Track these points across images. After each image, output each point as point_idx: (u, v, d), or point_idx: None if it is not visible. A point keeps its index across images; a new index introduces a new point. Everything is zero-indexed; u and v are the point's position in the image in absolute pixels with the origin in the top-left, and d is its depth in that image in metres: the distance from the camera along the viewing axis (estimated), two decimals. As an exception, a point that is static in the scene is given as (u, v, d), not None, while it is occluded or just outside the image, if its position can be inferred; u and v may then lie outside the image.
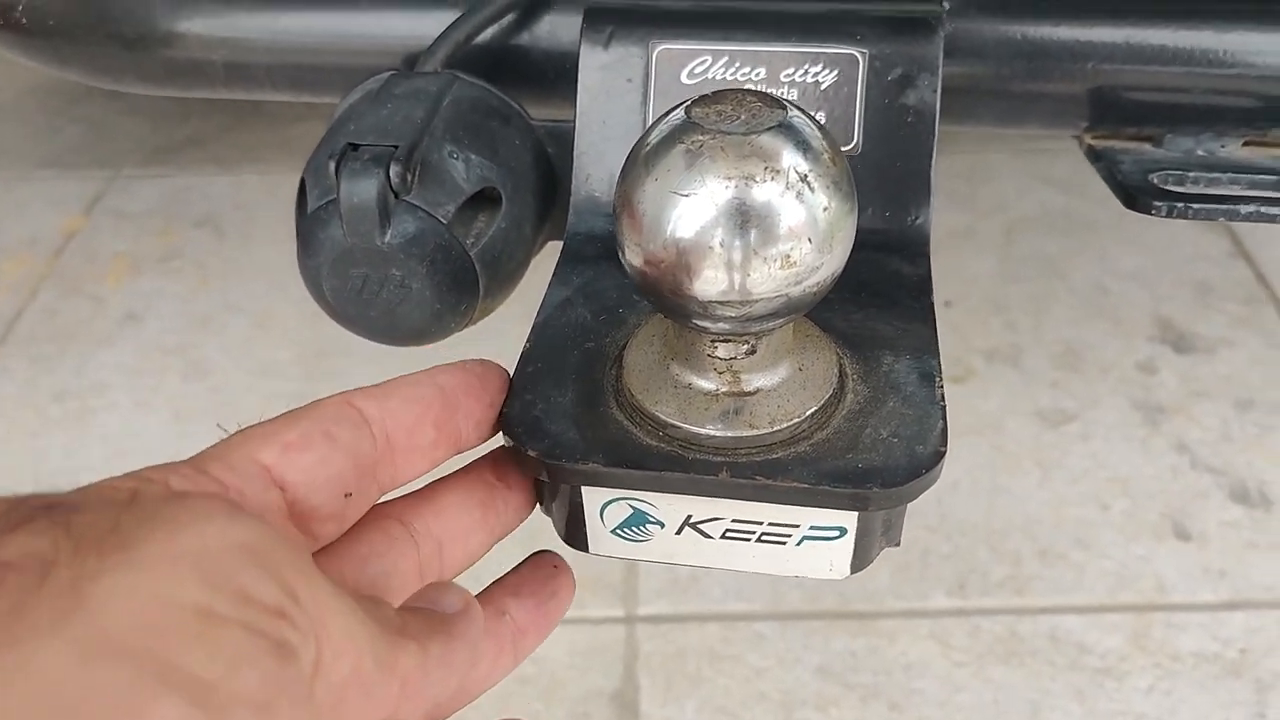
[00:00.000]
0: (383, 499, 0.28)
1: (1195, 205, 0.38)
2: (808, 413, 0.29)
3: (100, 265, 1.02)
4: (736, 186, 0.25)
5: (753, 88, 0.34)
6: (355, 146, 0.33)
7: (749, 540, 0.30)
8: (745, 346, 0.29)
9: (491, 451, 0.31)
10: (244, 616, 0.19)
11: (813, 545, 0.29)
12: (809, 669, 0.70)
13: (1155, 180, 0.39)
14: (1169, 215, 0.38)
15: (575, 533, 0.31)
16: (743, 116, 0.26)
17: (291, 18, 0.43)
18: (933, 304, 0.34)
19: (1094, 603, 0.74)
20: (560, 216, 0.39)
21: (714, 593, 0.73)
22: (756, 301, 0.26)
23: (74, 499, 0.20)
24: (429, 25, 0.41)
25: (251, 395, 0.88)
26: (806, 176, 0.26)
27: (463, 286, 0.36)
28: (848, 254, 0.28)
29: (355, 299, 0.36)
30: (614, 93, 0.38)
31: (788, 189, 0.26)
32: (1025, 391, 0.88)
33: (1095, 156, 0.41)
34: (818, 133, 0.27)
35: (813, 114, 0.28)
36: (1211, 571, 0.75)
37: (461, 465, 0.31)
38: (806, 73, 0.37)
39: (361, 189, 0.33)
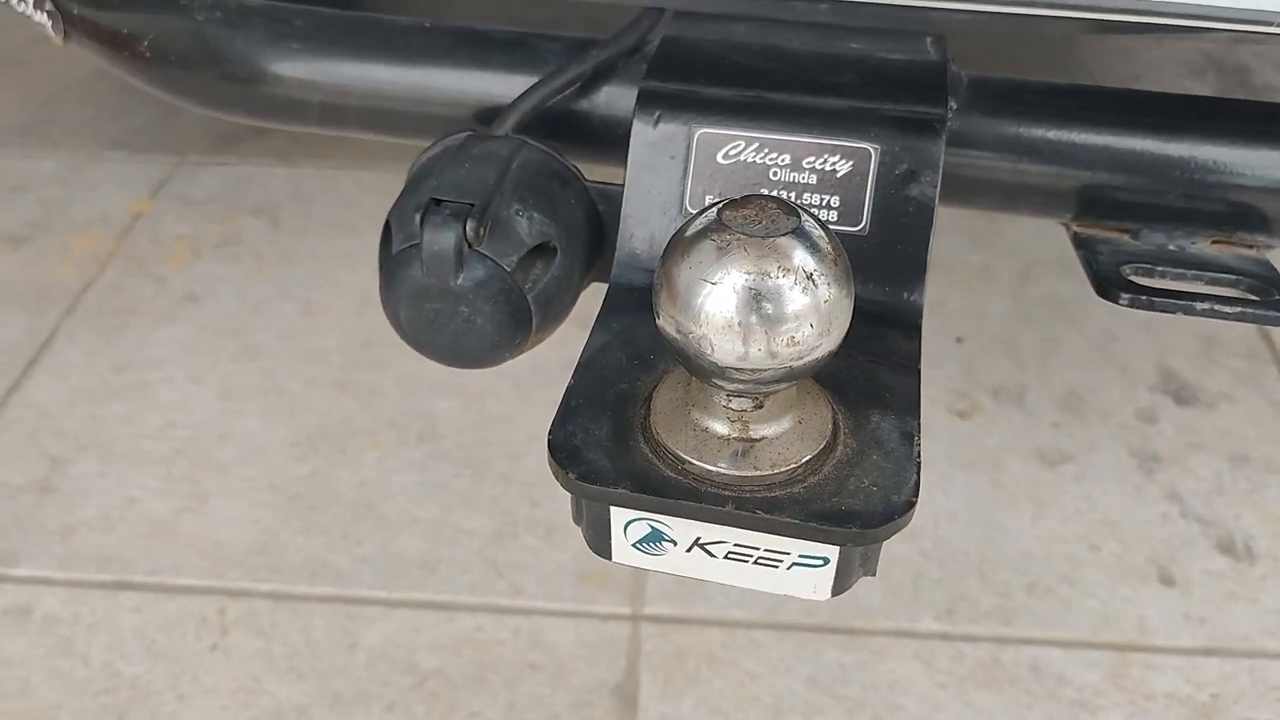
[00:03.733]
0: None
1: (1158, 299, 0.42)
2: (804, 460, 0.34)
3: (164, 247, 1.08)
4: (754, 279, 0.31)
5: (778, 188, 0.40)
6: (438, 201, 0.39)
7: (747, 562, 0.35)
8: (755, 402, 0.34)
9: None
10: None
11: (801, 570, 0.35)
12: (799, 678, 0.74)
13: (1126, 272, 0.44)
14: (1133, 306, 0.43)
15: (601, 544, 0.36)
16: (764, 221, 0.31)
17: (380, 69, 0.48)
18: (920, 371, 0.39)
19: (1076, 638, 0.78)
20: (604, 263, 0.44)
21: (716, 599, 0.78)
22: (765, 370, 0.32)
23: None
24: (497, 86, 0.46)
25: (296, 379, 0.94)
26: (812, 274, 0.31)
27: (519, 323, 0.41)
28: (844, 333, 0.33)
29: (427, 328, 0.41)
30: (658, 167, 0.43)
31: (795, 284, 0.31)
32: (1027, 430, 0.92)
33: (1079, 244, 0.46)
34: (824, 236, 0.32)
35: (821, 220, 0.33)
36: (1192, 618, 0.79)
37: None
38: (825, 161, 0.42)
39: (442, 239, 0.38)
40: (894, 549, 0.82)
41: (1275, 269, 0.44)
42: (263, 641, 0.74)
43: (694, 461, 0.34)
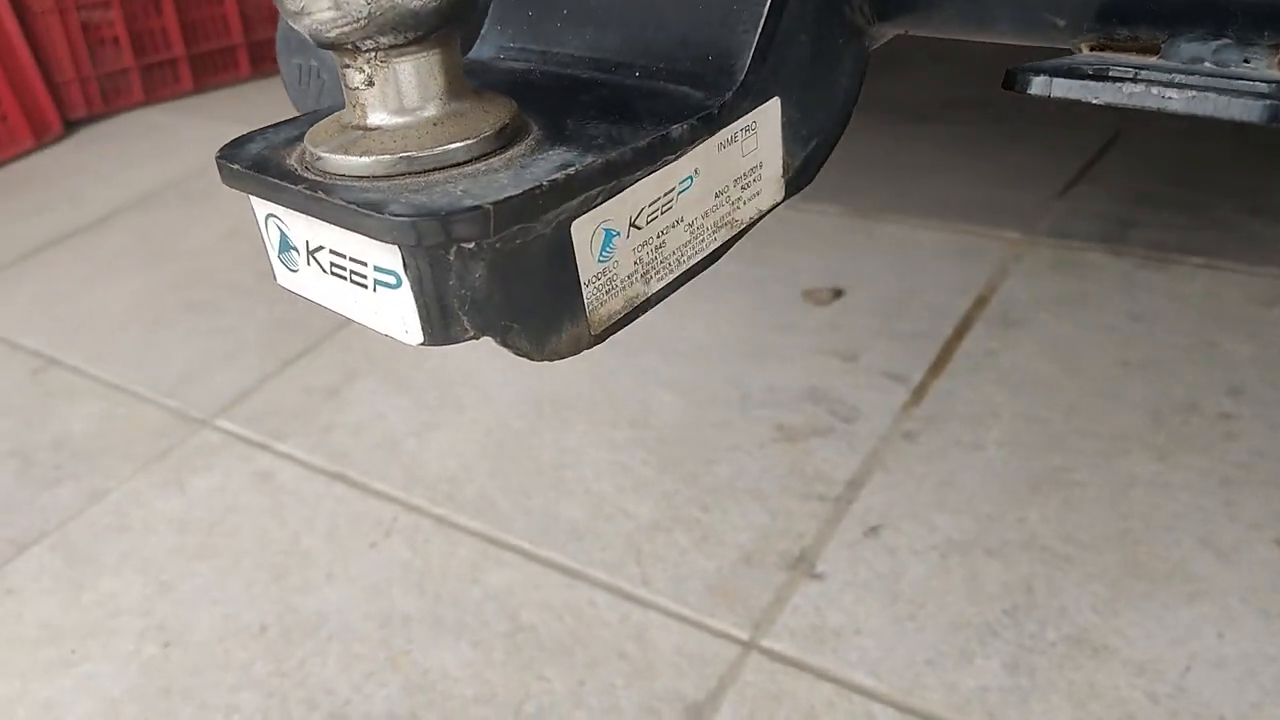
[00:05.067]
0: None
1: (1076, 80, 0.27)
2: (402, 154, 0.29)
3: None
4: None
5: None
6: None
7: (345, 278, 0.30)
8: (362, 75, 0.30)
9: None
10: None
11: (385, 294, 0.29)
12: (908, 777, 0.59)
13: (1083, 68, 0.28)
14: (1041, 92, 0.28)
15: (269, 262, 0.34)
16: None
17: None
18: (665, 137, 0.32)
19: None
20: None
21: (851, 655, 0.65)
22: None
23: None
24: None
25: (558, 354, 0.99)
26: None
27: None
28: (411, 1, 0.28)
29: (296, 87, 0.42)
30: None
31: None
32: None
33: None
34: None
35: None
36: None
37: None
38: None
39: None
40: (1109, 680, 0.61)
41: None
42: (410, 554, 0.78)
43: (309, 148, 0.31)
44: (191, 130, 1.75)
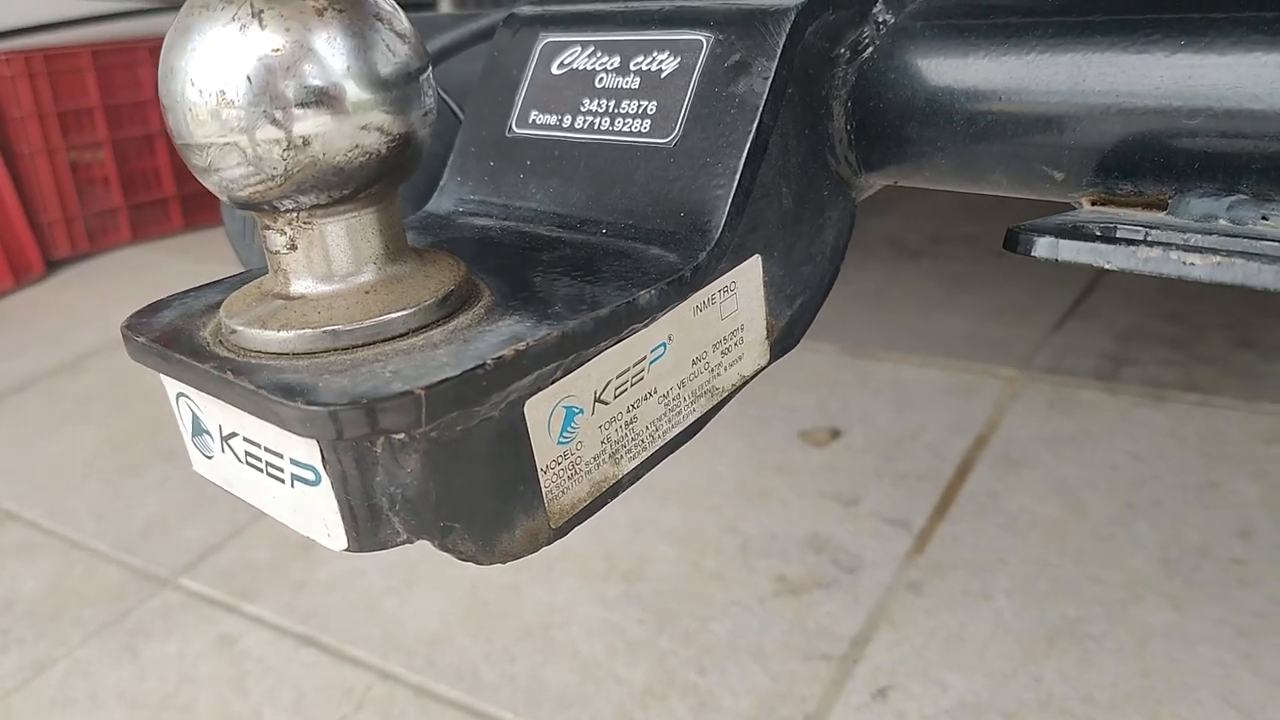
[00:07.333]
0: None
1: (1075, 242, 0.25)
2: (327, 328, 0.26)
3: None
4: (195, 15, 0.25)
5: (599, 97, 0.33)
6: None
7: (261, 470, 0.27)
8: (283, 238, 0.27)
9: None
10: None
11: (304, 492, 0.26)
12: None
13: (1089, 228, 0.26)
14: (1047, 255, 0.25)
15: (186, 447, 0.31)
16: None
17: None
18: (631, 304, 0.29)
19: None
20: None
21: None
22: (199, 147, 0.25)
23: None
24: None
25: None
26: (263, 14, 0.24)
27: None
28: (335, 156, 0.25)
29: (240, 240, 0.42)
30: (498, 87, 0.39)
31: (234, 21, 0.24)
32: None
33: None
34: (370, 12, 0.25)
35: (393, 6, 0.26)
36: None
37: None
38: (653, 60, 0.34)
39: None
40: None
41: None
42: (384, 726, 0.72)
43: (224, 319, 0.28)
44: (177, 270, 1.75)
